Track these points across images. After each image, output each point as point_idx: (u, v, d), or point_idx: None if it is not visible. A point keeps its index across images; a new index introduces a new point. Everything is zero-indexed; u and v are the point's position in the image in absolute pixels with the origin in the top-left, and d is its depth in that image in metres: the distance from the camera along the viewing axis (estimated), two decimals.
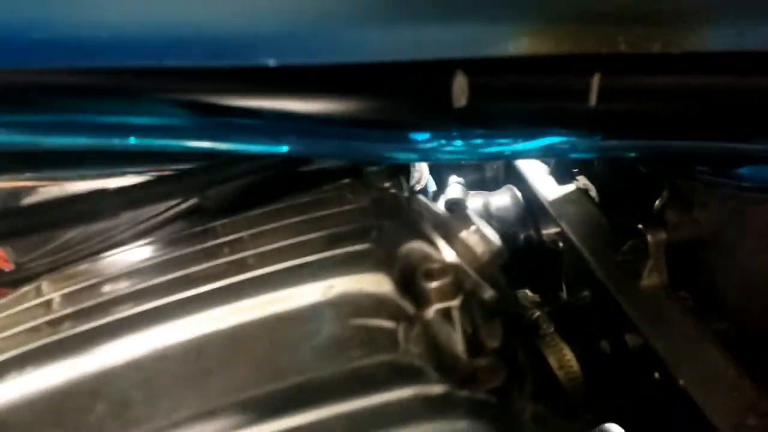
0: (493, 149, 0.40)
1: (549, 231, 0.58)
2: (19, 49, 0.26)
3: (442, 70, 0.32)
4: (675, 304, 0.45)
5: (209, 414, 0.28)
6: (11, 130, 0.32)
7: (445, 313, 0.34)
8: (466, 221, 0.38)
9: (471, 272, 0.37)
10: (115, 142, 0.34)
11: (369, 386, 0.27)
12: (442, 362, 0.31)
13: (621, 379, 0.46)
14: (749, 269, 0.45)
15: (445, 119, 0.36)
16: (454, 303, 0.34)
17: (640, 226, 0.47)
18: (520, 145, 0.40)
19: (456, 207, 0.57)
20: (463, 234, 0.38)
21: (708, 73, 0.34)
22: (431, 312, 0.34)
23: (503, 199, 0.62)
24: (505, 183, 0.64)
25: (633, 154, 0.46)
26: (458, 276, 0.35)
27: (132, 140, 0.34)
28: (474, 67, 0.32)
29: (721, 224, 0.45)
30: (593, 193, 0.59)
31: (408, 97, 0.35)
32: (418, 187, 0.60)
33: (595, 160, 0.59)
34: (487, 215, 0.61)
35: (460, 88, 0.33)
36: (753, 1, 0.29)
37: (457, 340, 0.34)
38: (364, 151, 0.39)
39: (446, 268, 0.35)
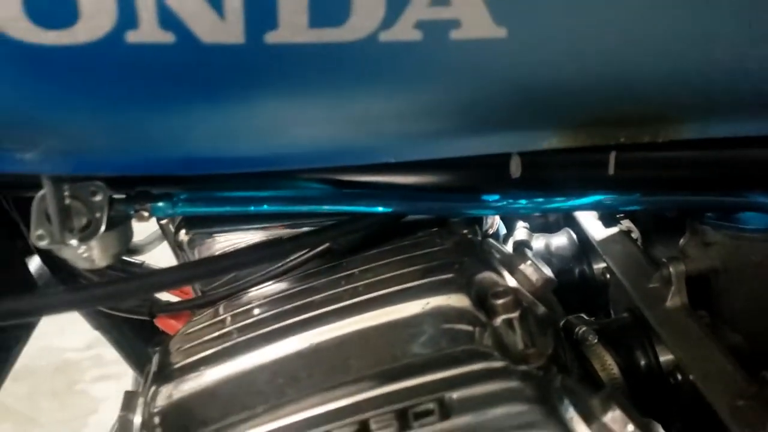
0: (552, 205, 0.56)
1: (598, 266, 0.73)
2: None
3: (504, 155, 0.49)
4: (694, 320, 0.59)
5: (347, 383, 0.45)
6: (218, 204, 0.51)
7: (509, 323, 0.50)
8: (524, 257, 0.55)
9: (527, 294, 0.54)
10: (277, 208, 0.53)
11: (453, 363, 0.43)
12: (505, 353, 0.47)
13: (652, 382, 0.60)
14: (752, 293, 0.59)
15: (507, 186, 0.52)
16: (515, 315, 0.50)
17: (664, 259, 0.61)
18: (575, 202, 0.56)
19: (520, 247, 0.73)
20: (522, 266, 0.54)
21: (691, 150, 0.50)
22: (498, 321, 0.50)
23: (561, 240, 0.78)
24: (563, 226, 0.80)
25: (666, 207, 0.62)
26: (517, 296, 0.51)
27: (287, 207, 0.53)
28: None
29: (728, 258, 0.59)
30: (635, 234, 0.74)
31: (481, 172, 0.52)
32: (490, 231, 0.76)
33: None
34: (548, 253, 0.77)
35: (515, 165, 0.50)
36: (710, 106, 0.45)
37: (517, 341, 0.49)
38: (449, 209, 0.56)
39: (508, 290, 0.51)
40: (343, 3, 0.34)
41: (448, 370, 0.43)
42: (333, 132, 0.41)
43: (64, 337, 2.42)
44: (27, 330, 0.67)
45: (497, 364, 0.43)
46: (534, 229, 0.81)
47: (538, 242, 0.78)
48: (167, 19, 0.33)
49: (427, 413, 0.40)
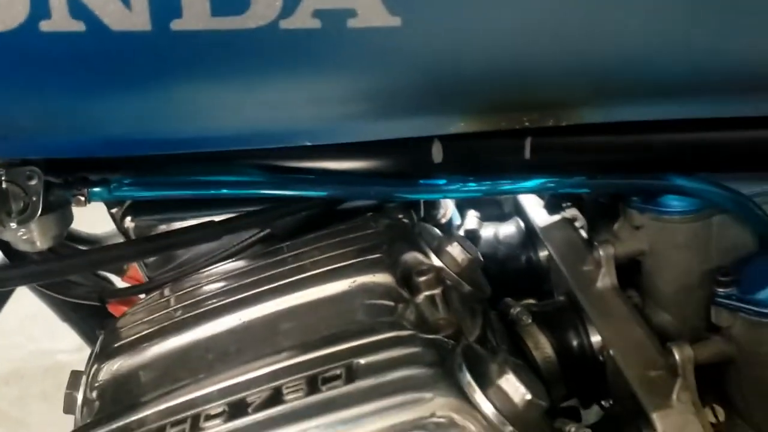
0: (501, 188, 0.59)
1: (543, 253, 0.76)
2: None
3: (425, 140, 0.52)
4: (621, 300, 0.62)
5: (270, 355, 0.48)
6: (155, 188, 0.54)
7: (431, 299, 0.53)
8: (451, 239, 0.58)
9: (452, 273, 0.56)
10: (214, 192, 0.56)
11: (366, 333, 0.46)
12: (424, 326, 0.50)
13: (584, 361, 0.63)
14: (677, 273, 0.61)
15: (432, 170, 0.55)
16: (436, 292, 0.53)
17: (595, 243, 0.64)
18: (519, 185, 0.59)
19: (450, 230, 0.75)
20: (448, 248, 0.57)
21: (607, 134, 0.53)
22: (420, 297, 0.52)
23: (510, 228, 0.81)
24: (513, 216, 0.83)
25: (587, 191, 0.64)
26: (440, 275, 0.54)
27: (225, 191, 0.56)
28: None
29: (654, 240, 0.62)
30: (581, 221, 0.76)
31: (408, 157, 0.55)
32: (443, 221, 0.79)
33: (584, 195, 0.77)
34: (497, 241, 0.80)
35: (437, 151, 0.53)
36: (609, 92, 0.48)
37: (438, 317, 0.52)
38: (382, 193, 0.59)
39: (431, 269, 0.54)
40: None
41: (361, 339, 0.46)
42: (247, 115, 0.45)
43: (55, 340, 2.45)
44: None
45: (405, 332, 0.46)
46: (486, 218, 0.83)
47: (488, 231, 0.81)
48: (77, 8, 0.37)
49: (335, 378, 0.43)
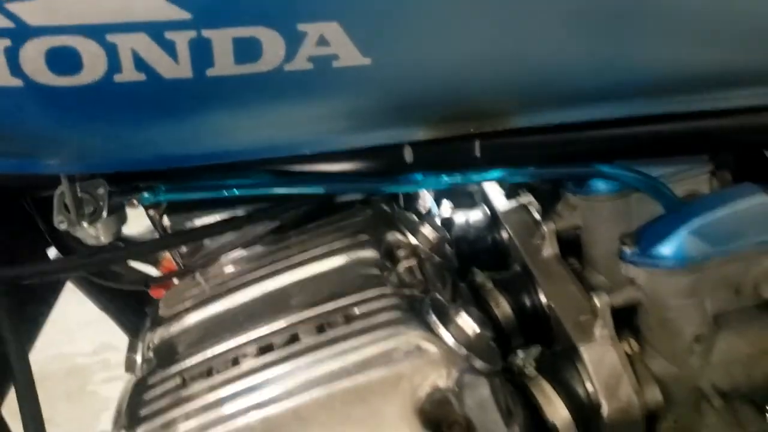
0: (469, 180, 0.74)
1: (504, 233, 0.91)
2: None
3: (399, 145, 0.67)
4: (561, 266, 0.77)
5: (288, 314, 0.63)
6: (188, 192, 0.69)
7: (409, 269, 0.68)
8: (424, 222, 0.73)
9: (426, 249, 0.72)
10: (234, 193, 0.71)
11: (362, 291, 0.61)
12: (404, 288, 0.65)
13: (536, 316, 0.78)
14: (605, 242, 0.77)
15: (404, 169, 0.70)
16: (413, 262, 0.68)
17: (540, 220, 0.79)
18: (482, 176, 0.74)
19: (426, 216, 0.90)
20: (422, 229, 0.72)
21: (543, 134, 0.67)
22: (401, 267, 0.67)
23: (477, 214, 0.96)
24: (480, 204, 0.98)
25: (532, 179, 0.79)
26: (416, 250, 0.69)
27: (243, 192, 0.71)
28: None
29: (586, 216, 0.77)
30: (535, 205, 0.92)
31: (388, 159, 0.70)
32: (423, 210, 0.95)
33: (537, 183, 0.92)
34: (467, 225, 0.95)
35: (408, 154, 0.68)
36: (534, 103, 0.63)
37: (414, 280, 0.67)
38: (370, 188, 0.74)
39: (409, 246, 0.69)
40: (256, 45, 0.52)
41: (355, 297, 0.61)
42: (261, 134, 0.60)
43: (74, 344, 2.60)
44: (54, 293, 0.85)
45: (388, 290, 0.61)
46: (458, 207, 0.99)
47: (460, 217, 0.96)
48: (140, 64, 0.52)
49: (337, 323, 0.58)
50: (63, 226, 0.63)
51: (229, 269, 0.75)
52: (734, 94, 0.65)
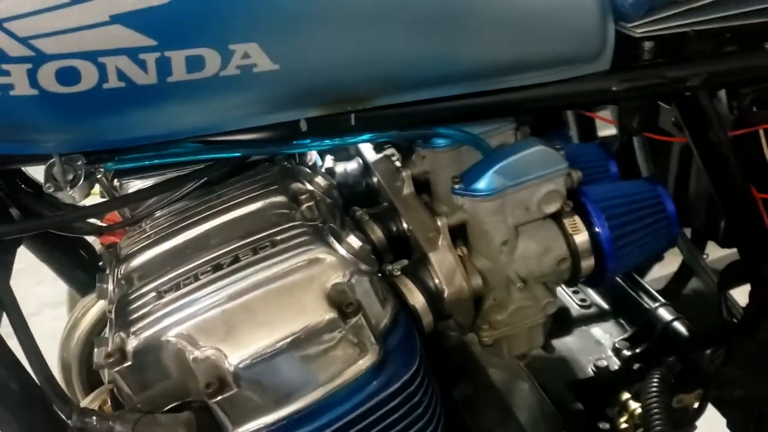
0: (346, 142, 1.01)
1: (375, 178, 1.21)
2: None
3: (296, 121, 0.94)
4: (416, 200, 1.08)
5: (225, 244, 0.89)
6: (137, 161, 0.92)
7: (309, 208, 0.95)
8: (316, 173, 1.00)
9: (320, 193, 0.99)
10: (172, 160, 0.95)
11: (277, 225, 0.88)
12: (307, 222, 0.92)
13: (401, 238, 1.09)
14: (446, 181, 1.08)
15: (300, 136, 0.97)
16: (311, 203, 0.95)
17: (399, 167, 1.09)
18: (356, 139, 1.02)
19: (319, 169, 1.18)
20: (316, 179, 1.00)
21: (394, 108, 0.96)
22: (303, 207, 0.95)
23: (353, 165, 1.25)
24: (355, 156, 1.27)
25: (394, 139, 1.09)
26: (313, 194, 0.97)
27: (180, 159, 0.95)
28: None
29: (431, 164, 1.08)
30: (396, 156, 1.21)
31: (290, 129, 0.96)
32: (310, 162, 1.22)
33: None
34: (345, 174, 1.24)
35: (303, 125, 0.95)
36: (391, 89, 0.91)
37: (314, 216, 0.95)
38: (275, 150, 1.00)
39: (307, 191, 0.96)
40: (201, 60, 0.77)
41: (272, 229, 0.88)
42: (200, 118, 0.85)
43: None
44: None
45: (297, 223, 0.89)
46: (338, 159, 1.27)
47: (340, 167, 1.24)
48: (121, 76, 0.75)
49: (266, 246, 0.85)
50: (51, 191, 0.85)
51: (171, 218, 0.99)
52: (520, 77, 0.96)
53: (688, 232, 1.52)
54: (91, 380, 1.25)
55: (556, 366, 1.38)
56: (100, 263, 1.02)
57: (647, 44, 1.00)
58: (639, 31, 0.97)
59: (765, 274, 1.12)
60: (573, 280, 1.06)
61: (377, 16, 0.83)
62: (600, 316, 1.48)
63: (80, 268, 1.24)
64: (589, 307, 1.51)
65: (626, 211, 1.02)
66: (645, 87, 1.00)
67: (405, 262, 1.02)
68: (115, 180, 1.00)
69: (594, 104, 1.14)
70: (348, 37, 0.84)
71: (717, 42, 1.02)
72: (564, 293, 1.53)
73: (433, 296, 0.98)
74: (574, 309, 1.50)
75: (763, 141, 1.07)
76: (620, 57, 0.99)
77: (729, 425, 1.34)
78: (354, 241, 0.87)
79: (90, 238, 1.27)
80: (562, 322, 1.44)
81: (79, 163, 0.85)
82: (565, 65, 0.97)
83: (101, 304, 1.15)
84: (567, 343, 1.43)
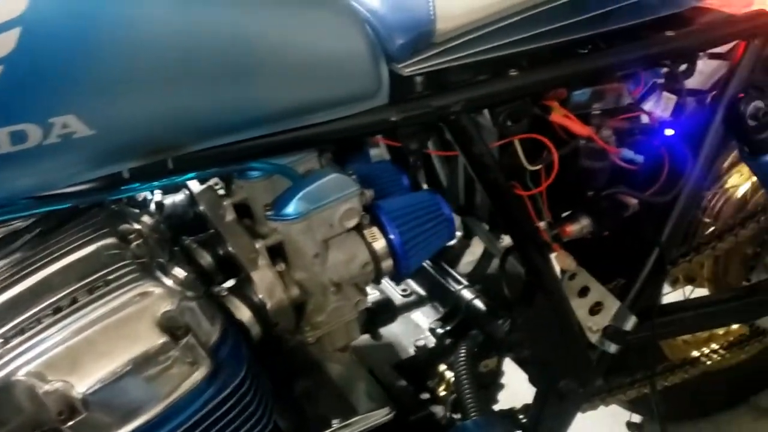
0: (173, 182, 1.15)
1: (201, 207, 1.36)
2: None
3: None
4: (239, 224, 1.25)
5: (65, 285, 1.02)
6: None
7: (138, 245, 1.09)
8: (143, 213, 1.15)
9: (146, 231, 1.14)
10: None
11: (109, 266, 1.02)
12: (137, 259, 1.07)
13: (226, 261, 1.25)
14: (261, 208, 1.25)
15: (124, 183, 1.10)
16: (140, 242, 1.09)
17: (221, 195, 1.26)
18: (179, 179, 1.16)
19: (148, 205, 1.32)
20: (142, 218, 1.14)
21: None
22: (133, 246, 1.09)
23: (181, 196, 1.39)
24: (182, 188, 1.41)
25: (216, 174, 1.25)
26: (141, 232, 1.11)
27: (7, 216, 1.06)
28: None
29: (248, 192, 1.25)
30: (220, 185, 1.37)
31: (115, 178, 1.10)
32: (140, 198, 1.35)
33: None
34: (174, 204, 1.38)
35: (126, 173, 1.08)
36: (199, 139, 1.07)
37: (143, 253, 1.09)
38: (98, 199, 1.13)
39: (135, 230, 1.10)
40: (22, 134, 0.89)
41: (103, 270, 1.01)
42: (34, 180, 0.97)
43: None
44: None
45: (127, 261, 1.03)
46: (166, 192, 1.41)
47: (168, 199, 1.38)
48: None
49: (101, 286, 0.98)
50: None
51: (9, 269, 1.09)
52: (313, 116, 1.15)
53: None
54: None
55: (383, 351, 1.61)
56: None
57: (418, 79, 1.23)
58: (407, 70, 1.19)
59: (533, 256, 1.39)
60: (377, 279, 1.28)
61: (172, 76, 0.98)
62: (419, 303, 1.73)
63: None
64: (409, 295, 1.75)
65: (412, 219, 1.24)
66: (418, 115, 1.22)
67: (232, 282, 1.19)
68: None
69: (378, 133, 1.36)
70: (151, 97, 0.99)
71: (473, 72, 1.27)
72: (388, 285, 1.76)
73: (258, 309, 1.16)
74: (397, 299, 1.73)
75: (519, 149, 1.33)
76: (398, 91, 1.21)
77: (530, 380, 1.62)
78: (179, 272, 1.03)
79: None
80: (387, 311, 1.66)
81: None
82: (349, 103, 1.17)
83: None
84: (392, 330, 1.66)
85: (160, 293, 0.98)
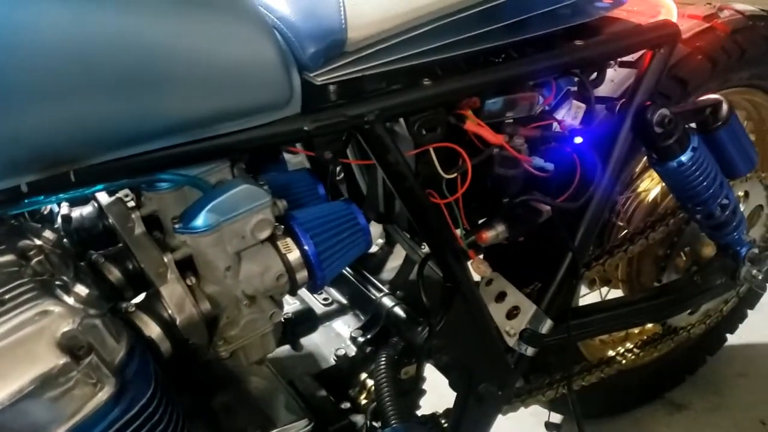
0: (81, 194, 1.11)
1: (110, 220, 1.32)
2: None
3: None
4: (148, 239, 1.22)
5: None
6: None
7: (39, 261, 1.05)
8: (44, 228, 1.11)
9: (48, 247, 1.10)
10: None
11: (7, 283, 0.98)
12: (38, 276, 1.03)
13: (135, 275, 1.22)
14: (170, 220, 1.23)
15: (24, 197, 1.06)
16: (41, 257, 1.06)
17: (132, 206, 1.22)
18: (86, 191, 1.12)
19: (62, 217, 1.28)
20: (43, 233, 1.10)
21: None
22: (33, 263, 1.05)
23: (89, 208, 1.35)
24: (90, 200, 1.37)
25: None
26: (42, 248, 1.07)
27: None
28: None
29: (158, 204, 1.22)
30: (130, 196, 1.33)
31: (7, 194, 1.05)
32: (45, 211, 1.30)
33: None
34: (82, 217, 1.34)
35: (24, 187, 1.05)
36: (104, 151, 1.04)
37: (45, 270, 1.05)
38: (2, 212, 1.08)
39: (35, 246, 1.06)
40: None
41: (5, 288, 0.97)
42: None
43: None
44: None
45: (26, 279, 0.99)
46: (74, 204, 1.36)
47: (76, 212, 1.34)
48: None
49: None
50: None
51: None
52: (224, 126, 1.13)
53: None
54: None
55: (304, 361, 1.60)
56: None
57: (332, 88, 1.22)
58: (320, 79, 1.19)
59: (450, 263, 1.41)
60: (293, 290, 1.27)
61: (69, 86, 0.94)
62: (340, 311, 1.73)
63: None
64: (330, 304, 1.75)
65: (327, 229, 1.24)
66: (331, 125, 1.22)
67: (140, 298, 1.16)
68: None
69: (292, 142, 1.35)
70: (47, 107, 0.95)
71: (387, 81, 1.28)
72: (309, 295, 1.75)
73: (168, 325, 1.14)
74: (318, 308, 1.73)
75: (434, 157, 1.35)
76: (312, 100, 1.20)
77: (450, 384, 1.64)
78: (81, 289, 0.99)
79: None
80: (308, 321, 1.66)
81: None
82: (260, 112, 1.15)
83: None
84: (313, 339, 1.65)
85: (60, 312, 0.95)
